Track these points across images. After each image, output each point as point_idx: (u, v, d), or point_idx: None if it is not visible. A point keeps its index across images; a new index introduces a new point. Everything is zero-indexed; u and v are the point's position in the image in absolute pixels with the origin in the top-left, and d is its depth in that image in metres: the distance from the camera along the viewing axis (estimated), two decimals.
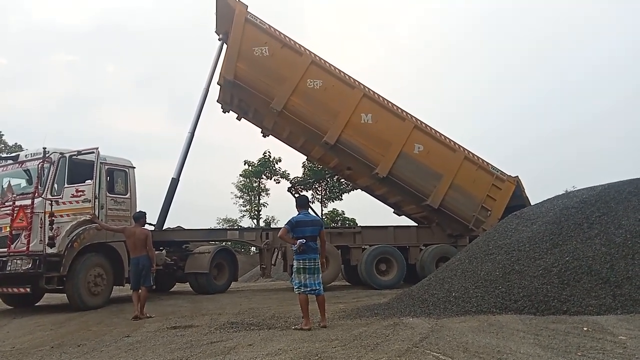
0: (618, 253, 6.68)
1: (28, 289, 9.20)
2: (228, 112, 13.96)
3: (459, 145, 12.91)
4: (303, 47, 12.54)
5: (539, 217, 8.10)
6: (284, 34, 12.48)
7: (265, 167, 31.55)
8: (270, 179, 32.55)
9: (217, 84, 12.82)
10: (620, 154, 62.32)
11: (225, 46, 12.78)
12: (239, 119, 14.13)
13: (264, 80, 12.27)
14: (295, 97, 12.29)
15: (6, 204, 9.56)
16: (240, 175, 33.56)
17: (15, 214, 9.20)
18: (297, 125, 12.61)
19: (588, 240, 7.05)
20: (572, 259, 6.77)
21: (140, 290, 8.34)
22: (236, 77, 12.21)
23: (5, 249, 9.12)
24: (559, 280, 6.52)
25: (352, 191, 29.43)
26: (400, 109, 12.80)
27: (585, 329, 5.28)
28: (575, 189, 11.18)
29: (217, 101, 13.80)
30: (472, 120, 79.38)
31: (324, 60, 12.61)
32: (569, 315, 6.00)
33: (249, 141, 68.52)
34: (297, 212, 6.79)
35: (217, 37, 13.21)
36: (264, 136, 14.51)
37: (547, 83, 78.87)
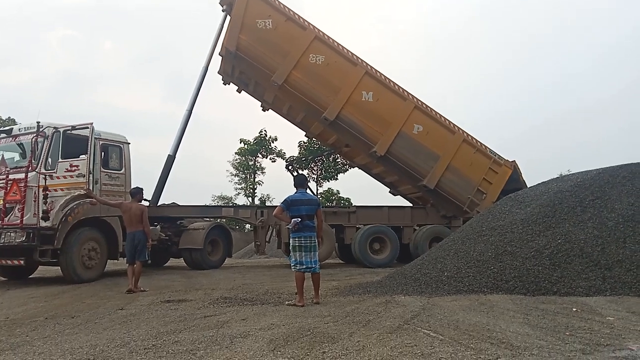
0: (610, 236, 6.74)
1: (22, 262, 9.22)
2: (228, 84, 13.87)
3: (459, 128, 12.90)
4: (307, 21, 12.43)
5: (533, 199, 8.14)
6: (288, 8, 12.36)
7: (261, 145, 31.42)
8: (266, 158, 32.46)
9: (219, 54, 12.72)
10: (620, 143, 62.44)
11: (228, 18, 12.62)
12: (239, 91, 14.04)
13: (266, 53, 12.17)
14: (296, 71, 12.21)
15: (0, 177, 9.50)
16: (236, 153, 33.44)
17: (8, 188, 9.16)
18: (298, 99, 12.55)
19: (581, 223, 7.10)
20: (564, 242, 6.83)
21: (135, 265, 8.38)
22: (238, 49, 12.11)
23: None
24: (550, 262, 6.59)
25: (347, 171, 29.43)
26: (402, 88, 12.75)
27: (574, 309, 5.35)
28: (570, 172, 11.22)
29: (218, 72, 13.70)
30: (473, 105, 79.17)
31: (327, 36, 12.51)
32: (559, 296, 6.09)
33: (245, 119, 68.17)
34: (295, 191, 6.78)
35: (221, 8, 13.02)
36: (264, 110, 14.44)
37: (548, 70, 78.45)
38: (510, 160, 13.08)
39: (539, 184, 9.24)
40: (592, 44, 76.70)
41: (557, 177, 9.72)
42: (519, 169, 13.10)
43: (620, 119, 70.10)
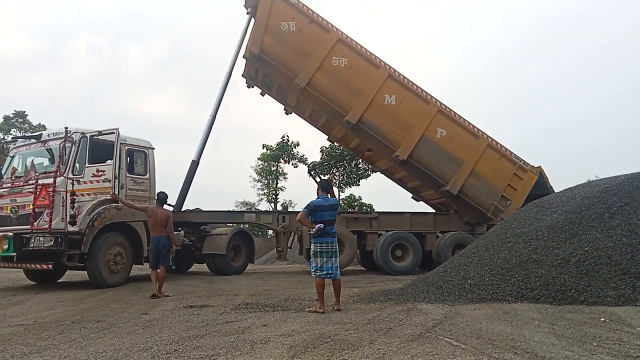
0: (639, 244, 6.54)
1: (50, 266, 9.43)
2: (252, 87, 14.00)
3: (483, 132, 12.71)
4: (330, 24, 12.45)
5: (559, 206, 7.96)
6: (312, 10, 12.41)
7: (284, 151, 31.62)
8: (288, 163, 32.63)
9: (243, 57, 12.88)
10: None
11: (252, 21, 12.76)
12: (262, 94, 14.16)
13: (289, 55, 12.24)
14: (319, 74, 12.23)
15: (29, 182, 9.76)
16: (259, 158, 33.72)
17: (37, 193, 9.40)
18: (320, 103, 12.58)
19: (609, 230, 6.91)
20: (592, 249, 6.65)
21: (159, 270, 8.49)
22: (262, 51, 12.21)
23: (29, 226, 9.34)
24: (577, 270, 6.42)
25: (369, 176, 29.35)
26: (425, 92, 12.65)
27: (602, 319, 5.20)
28: (598, 178, 10.94)
29: (242, 75, 13.84)
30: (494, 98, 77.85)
31: (350, 38, 12.51)
32: (586, 305, 5.92)
33: (268, 125, 68.67)
34: (317, 196, 6.79)
35: (246, 11, 13.16)
36: (287, 113, 14.52)
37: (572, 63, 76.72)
38: (536, 165, 12.83)
39: (565, 189, 9.03)
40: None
41: (585, 183, 9.48)
42: (545, 174, 12.82)
43: None
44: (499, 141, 12.83)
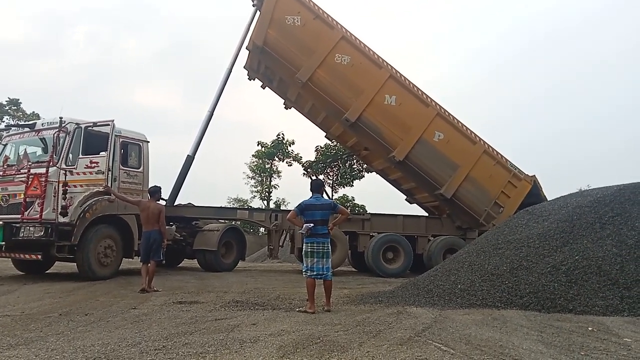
0: (629, 255, 6.59)
1: (39, 256, 9.36)
2: (253, 79, 14.07)
3: (480, 138, 12.80)
4: (335, 20, 12.51)
5: (551, 214, 8.01)
6: (318, 6, 12.47)
7: (279, 149, 31.51)
8: (283, 161, 32.54)
9: (246, 48, 12.93)
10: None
11: (257, 14, 12.81)
12: (263, 87, 14.22)
13: (292, 49, 12.30)
14: (321, 70, 12.28)
15: (21, 171, 9.68)
16: (253, 155, 33.60)
17: (29, 182, 9.33)
18: (320, 99, 12.62)
19: (599, 240, 6.96)
20: (582, 258, 6.70)
21: (149, 264, 8.45)
22: (265, 44, 12.26)
23: (19, 216, 9.27)
24: (567, 279, 6.47)
25: (363, 177, 29.35)
26: (425, 94, 12.73)
27: (590, 328, 5.24)
28: (590, 187, 11.02)
29: (244, 67, 13.90)
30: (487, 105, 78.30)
31: (354, 36, 12.57)
32: (575, 314, 5.96)
33: (265, 122, 68.58)
34: (310, 195, 6.78)
35: (252, 3, 13.20)
36: (286, 108, 14.55)
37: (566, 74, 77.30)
38: (531, 174, 12.91)
39: (557, 198, 9.09)
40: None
41: (576, 192, 9.55)
42: (539, 183, 12.92)
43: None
44: (495, 148, 12.91)
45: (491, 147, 12.82)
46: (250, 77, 14.04)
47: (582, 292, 6.28)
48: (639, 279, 6.25)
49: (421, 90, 12.73)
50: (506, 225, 8.51)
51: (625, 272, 6.37)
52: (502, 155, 12.87)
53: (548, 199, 12.20)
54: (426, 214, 14.75)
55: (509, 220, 9.02)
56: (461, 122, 12.80)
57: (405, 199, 15.34)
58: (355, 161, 28.35)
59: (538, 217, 8.11)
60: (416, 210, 15.31)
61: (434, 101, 12.70)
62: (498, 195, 12.64)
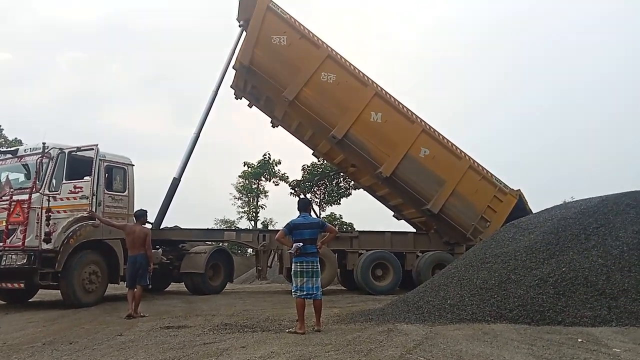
0: (615, 265, 6.66)
1: (22, 285, 9.16)
2: (240, 98, 14.15)
3: (465, 154, 12.95)
4: (321, 40, 12.68)
5: (537, 226, 8.09)
6: (303, 26, 12.65)
7: (265, 168, 31.50)
8: (270, 181, 32.51)
9: (233, 67, 13.01)
10: (619, 168, 62.31)
11: (244, 34, 12.96)
12: (250, 106, 14.30)
13: (278, 68, 12.43)
14: (308, 88, 12.41)
15: (3, 198, 9.52)
16: (240, 176, 33.53)
17: (12, 209, 9.17)
18: (307, 116, 12.72)
19: (585, 251, 7.03)
20: (569, 270, 6.75)
21: (135, 289, 8.32)
22: (252, 63, 12.37)
23: (1, 244, 9.09)
24: (555, 291, 6.51)
25: (350, 195, 29.42)
26: (410, 111, 12.90)
27: (579, 340, 5.26)
28: (574, 199, 11.18)
29: (231, 86, 14.00)
30: (475, 125, 79.41)
31: (340, 55, 12.75)
32: (564, 326, 5.99)
33: (250, 143, 68.59)
34: (298, 214, 6.77)
35: (238, 23, 13.36)
36: (274, 126, 14.62)
37: (549, 93, 78.93)
38: (516, 189, 13.06)
39: (542, 210, 9.20)
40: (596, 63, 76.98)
41: (561, 204, 9.67)
42: (524, 198, 13.06)
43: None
44: (480, 163, 13.07)
45: (476, 162, 12.97)
46: (237, 96, 14.13)
47: (570, 303, 6.32)
48: (625, 288, 6.32)
49: (406, 107, 12.89)
50: (493, 239, 8.56)
51: (611, 282, 6.43)
52: (487, 170, 13.01)
53: (533, 212, 12.37)
54: (414, 230, 14.80)
55: (496, 234, 9.08)
56: (446, 138, 12.96)
57: (393, 215, 15.37)
58: (342, 179, 28.44)
59: (524, 230, 8.18)
60: (404, 226, 15.36)
61: (419, 118, 12.86)
62: (484, 209, 12.74)
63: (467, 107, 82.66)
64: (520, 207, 12.82)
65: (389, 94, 12.84)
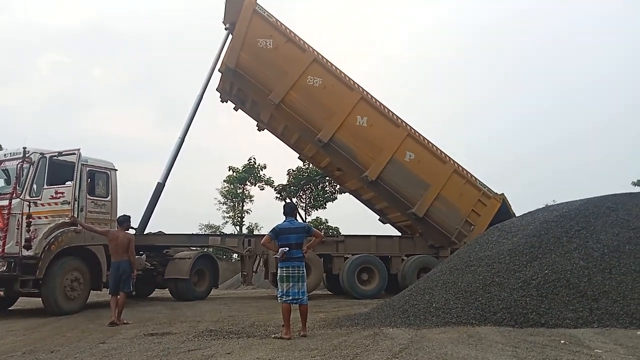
0: (596, 267, 6.77)
1: (2, 293, 8.97)
2: (226, 101, 14.09)
3: (450, 158, 13.08)
4: (307, 44, 12.72)
5: (520, 229, 8.19)
6: (289, 29, 12.67)
7: (250, 173, 31.36)
8: (255, 186, 32.35)
9: (219, 70, 13.00)
10: (603, 171, 63.25)
11: (230, 37, 12.93)
12: (236, 109, 14.24)
13: (264, 71, 12.42)
14: (294, 92, 12.43)
15: None
16: (225, 181, 33.32)
17: None
18: (293, 120, 12.73)
19: (567, 253, 7.14)
20: (551, 272, 6.84)
21: (118, 296, 8.21)
22: (238, 66, 12.35)
23: None
24: (538, 293, 6.59)
25: (335, 200, 29.43)
26: (396, 115, 12.99)
27: (562, 341, 5.33)
28: (555, 202, 11.34)
29: (217, 89, 13.93)
30: (465, 130, 79.99)
31: (326, 59, 12.80)
32: (547, 327, 6.06)
33: (234, 147, 68.33)
34: (284, 219, 6.75)
35: (224, 26, 13.32)
36: (259, 130, 14.57)
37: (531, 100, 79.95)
38: (499, 193, 13.21)
39: (525, 214, 9.31)
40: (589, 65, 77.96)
41: (543, 207, 9.80)
42: (508, 202, 13.22)
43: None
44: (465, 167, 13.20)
45: (461, 166, 13.10)
46: (223, 99, 14.10)
47: (553, 305, 6.40)
48: (605, 290, 6.42)
49: (392, 112, 12.98)
50: (477, 242, 8.64)
51: (592, 284, 6.53)
52: (471, 175, 13.15)
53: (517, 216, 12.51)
54: (399, 234, 14.86)
55: (480, 237, 9.16)
56: (431, 143, 13.08)
57: (379, 219, 15.42)
58: (327, 183, 28.45)
59: (507, 234, 8.27)
60: (389, 230, 15.42)
61: (404, 122, 12.96)
62: (469, 213, 12.86)
63: (467, 107, 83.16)
64: (504, 211, 12.97)
65: (375, 99, 12.93)
